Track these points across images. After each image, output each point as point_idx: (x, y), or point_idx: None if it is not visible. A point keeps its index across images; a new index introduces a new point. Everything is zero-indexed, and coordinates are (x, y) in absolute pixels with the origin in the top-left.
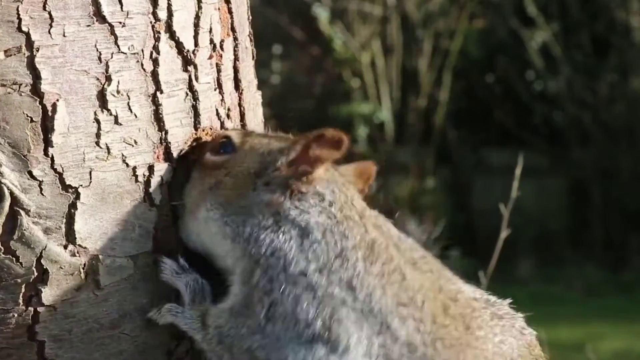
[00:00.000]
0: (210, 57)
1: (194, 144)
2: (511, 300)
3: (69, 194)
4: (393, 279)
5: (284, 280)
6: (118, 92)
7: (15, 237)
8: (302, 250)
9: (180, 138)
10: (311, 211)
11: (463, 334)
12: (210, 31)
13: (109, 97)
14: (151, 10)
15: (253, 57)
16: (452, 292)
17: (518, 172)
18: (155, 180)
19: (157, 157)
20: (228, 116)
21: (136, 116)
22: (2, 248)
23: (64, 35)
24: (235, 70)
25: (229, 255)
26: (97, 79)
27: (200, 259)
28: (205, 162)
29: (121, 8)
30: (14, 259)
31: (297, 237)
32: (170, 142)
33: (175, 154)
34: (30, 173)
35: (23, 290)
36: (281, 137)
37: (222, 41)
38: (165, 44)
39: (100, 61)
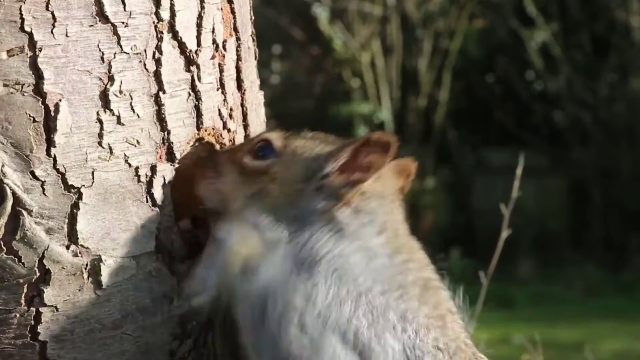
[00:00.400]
0: (213, 57)
1: (196, 144)
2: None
3: (71, 194)
4: (437, 323)
5: (351, 289)
6: (121, 92)
7: (17, 237)
8: (369, 269)
9: (182, 138)
10: (366, 229)
11: None
12: (213, 31)
13: (111, 97)
14: (154, 10)
15: (255, 57)
16: (476, 352)
17: (519, 172)
18: (157, 181)
19: (160, 157)
20: (230, 116)
21: (139, 116)
22: (5, 248)
23: (66, 35)
24: (238, 71)
25: (278, 250)
26: (100, 79)
27: None
28: (244, 166)
29: (124, 8)
30: (16, 259)
31: (362, 252)
32: (172, 142)
33: (177, 154)
34: (32, 173)
35: (25, 290)
36: (324, 140)
37: (224, 41)
38: (168, 44)
39: (103, 61)
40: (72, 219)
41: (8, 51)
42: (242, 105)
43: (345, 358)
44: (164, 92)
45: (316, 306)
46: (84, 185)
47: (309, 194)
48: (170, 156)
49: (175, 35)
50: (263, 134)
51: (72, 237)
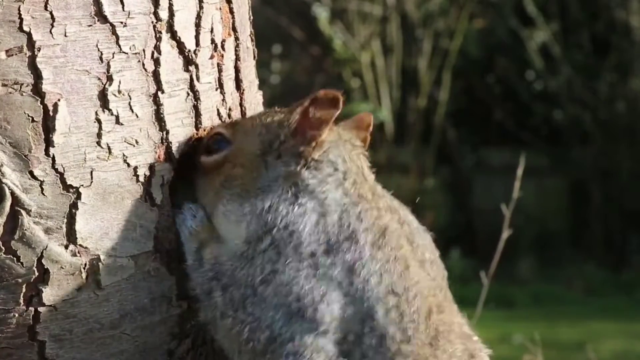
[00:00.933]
0: (212, 57)
1: (195, 144)
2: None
3: (70, 194)
4: (395, 267)
5: (291, 257)
6: (119, 92)
7: (16, 237)
8: (317, 229)
9: (181, 138)
10: (329, 181)
11: (427, 346)
12: (212, 31)
13: (110, 97)
14: (152, 10)
15: (254, 57)
16: (443, 305)
17: (520, 172)
18: (156, 180)
19: (158, 157)
20: (229, 116)
21: (137, 116)
22: (3, 248)
23: (65, 35)
24: (237, 70)
25: (247, 225)
26: (99, 78)
27: None
28: (204, 166)
29: (122, 8)
30: (15, 259)
31: (314, 214)
32: (171, 142)
33: (176, 154)
34: (31, 173)
35: (24, 290)
36: (269, 113)
37: (223, 41)
38: (167, 44)
39: (102, 61)
40: (71, 219)
41: (7, 51)
42: (240, 105)
43: (290, 327)
44: (163, 92)
45: (250, 284)
46: (82, 185)
47: (271, 164)
48: (169, 156)
49: (173, 35)
50: (212, 129)
51: (71, 236)
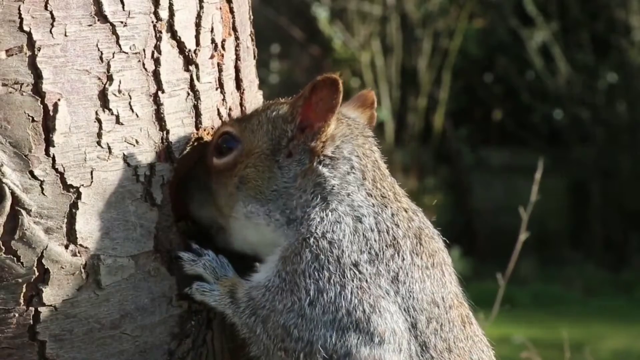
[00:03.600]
0: (212, 56)
1: (196, 144)
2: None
3: (70, 194)
4: (434, 274)
5: (335, 271)
6: (119, 91)
7: (16, 237)
8: (357, 237)
9: (181, 138)
10: (349, 180)
11: (467, 356)
12: (212, 31)
13: (110, 97)
14: (153, 9)
15: (254, 56)
16: (470, 315)
17: (538, 176)
18: (156, 180)
19: (159, 157)
20: (229, 116)
21: (137, 116)
22: (3, 248)
23: (65, 35)
24: (237, 70)
25: (282, 236)
26: (99, 78)
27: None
28: (217, 168)
29: (123, 8)
30: (15, 258)
31: (349, 219)
32: (171, 142)
33: (176, 154)
34: (31, 173)
35: (24, 290)
36: (274, 105)
37: (223, 41)
38: (167, 44)
39: (102, 61)
40: (71, 219)
41: (7, 51)
42: (241, 104)
43: (345, 342)
44: (163, 92)
45: (296, 309)
46: (82, 185)
47: (283, 163)
48: (169, 156)
49: (174, 34)
50: (219, 128)
51: (71, 236)
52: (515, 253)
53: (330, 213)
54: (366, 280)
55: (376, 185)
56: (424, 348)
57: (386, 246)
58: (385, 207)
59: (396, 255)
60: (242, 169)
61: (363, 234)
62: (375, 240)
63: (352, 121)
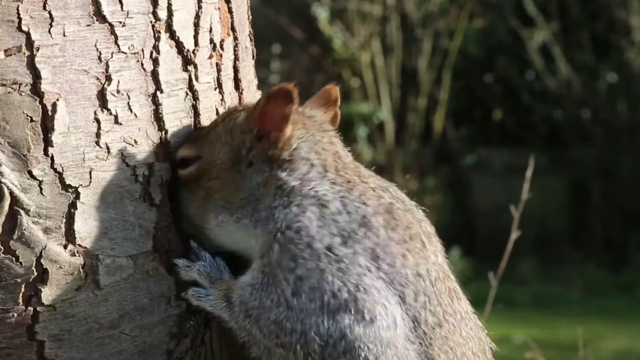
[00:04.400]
0: (211, 56)
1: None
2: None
3: (68, 194)
4: (413, 246)
5: (310, 257)
6: (118, 91)
7: (15, 236)
8: (325, 223)
9: (180, 137)
10: (311, 177)
11: (457, 332)
12: (211, 31)
13: (109, 97)
14: (151, 9)
15: (253, 56)
16: (457, 289)
17: (529, 174)
18: (155, 180)
19: (157, 157)
20: None
21: (136, 116)
22: (2, 248)
23: (64, 35)
24: (235, 70)
25: (256, 241)
26: (97, 78)
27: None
28: (182, 179)
29: (121, 8)
30: (14, 258)
31: (314, 207)
32: (170, 142)
33: (175, 154)
34: (30, 173)
35: (23, 290)
36: (230, 115)
37: (222, 41)
38: (166, 44)
39: (100, 61)
40: (70, 219)
41: (5, 51)
42: (239, 104)
43: (337, 325)
44: (162, 92)
45: (282, 303)
46: (81, 185)
47: (245, 174)
48: (167, 156)
49: (172, 34)
50: (180, 147)
51: (70, 236)
52: (507, 252)
53: (293, 208)
54: (344, 262)
55: (339, 173)
56: (415, 323)
57: (358, 225)
58: (351, 190)
59: (369, 232)
60: (206, 181)
61: (331, 218)
62: (345, 222)
63: (309, 120)
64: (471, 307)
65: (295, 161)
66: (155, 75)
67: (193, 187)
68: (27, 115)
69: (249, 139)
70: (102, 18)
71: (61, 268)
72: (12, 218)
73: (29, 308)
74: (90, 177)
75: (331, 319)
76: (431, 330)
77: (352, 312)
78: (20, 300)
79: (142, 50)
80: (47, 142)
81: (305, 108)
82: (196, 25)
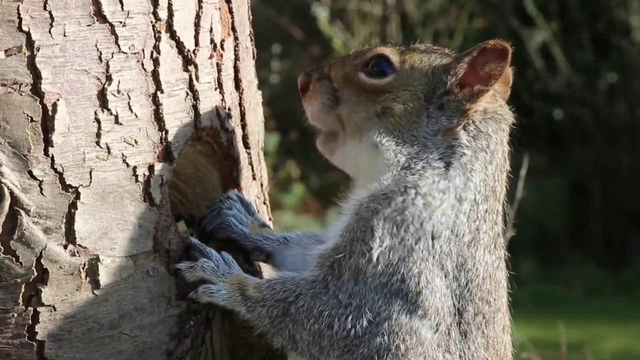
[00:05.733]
0: (211, 56)
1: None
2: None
3: (69, 194)
4: (495, 276)
5: (413, 233)
6: (118, 91)
7: (15, 237)
8: (448, 212)
9: (180, 138)
10: (479, 157)
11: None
12: (211, 31)
13: (109, 97)
14: (152, 10)
15: (253, 56)
16: (508, 325)
17: (523, 172)
18: (155, 180)
19: (158, 157)
20: (229, 116)
21: (136, 116)
22: (2, 248)
23: (64, 35)
24: (236, 70)
25: (386, 178)
26: (98, 78)
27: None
28: (363, 84)
29: (122, 8)
30: (14, 258)
31: (453, 195)
32: (170, 142)
33: (175, 154)
34: (30, 173)
35: (23, 290)
36: (438, 52)
37: (222, 41)
38: (166, 44)
39: (101, 61)
40: (70, 219)
41: (6, 51)
42: (240, 104)
43: (389, 306)
44: (162, 92)
45: (373, 254)
46: (81, 185)
47: (432, 114)
48: (168, 156)
49: (173, 34)
50: (374, 48)
51: (70, 236)
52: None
53: (443, 180)
54: (433, 256)
55: (495, 175)
56: (464, 337)
57: (468, 232)
58: (486, 201)
59: (472, 244)
60: (389, 100)
61: (455, 213)
62: (462, 223)
63: (504, 105)
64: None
65: (481, 131)
66: (155, 75)
67: (370, 97)
68: (28, 116)
69: (451, 83)
70: (102, 18)
71: (61, 268)
72: (13, 218)
73: (29, 308)
74: (91, 177)
75: (387, 299)
76: (476, 349)
77: (409, 302)
78: (21, 301)
79: (143, 50)
80: (48, 142)
81: None
82: (197, 25)
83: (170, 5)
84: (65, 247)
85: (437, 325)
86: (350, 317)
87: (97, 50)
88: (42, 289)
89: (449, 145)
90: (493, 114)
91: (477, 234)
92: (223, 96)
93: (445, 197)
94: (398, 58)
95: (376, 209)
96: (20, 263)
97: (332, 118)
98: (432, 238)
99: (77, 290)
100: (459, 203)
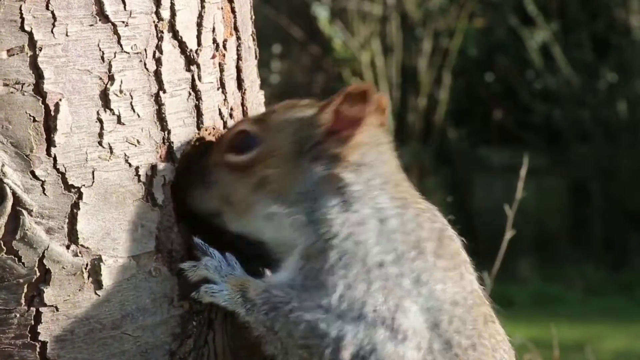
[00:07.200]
0: (213, 56)
1: (197, 143)
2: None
3: (71, 194)
4: (454, 275)
5: (361, 269)
6: (121, 91)
7: (17, 237)
8: (382, 239)
9: (183, 138)
10: (373, 185)
11: (490, 355)
12: (213, 31)
13: (111, 97)
14: (154, 9)
15: (256, 56)
16: (492, 313)
17: (523, 172)
18: (157, 180)
19: (160, 157)
20: (231, 116)
21: (139, 116)
22: (5, 248)
23: (66, 35)
24: (238, 70)
25: (304, 239)
26: (100, 78)
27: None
28: (232, 165)
29: (124, 7)
30: (17, 259)
31: (374, 221)
32: (173, 142)
33: (178, 154)
34: (32, 173)
35: (25, 290)
36: (298, 106)
37: (225, 41)
38: (168, 44)
39: (103, 61)
40: (72, 219)
41: (8, 50)
42: (242, 104)
43: (371, 338)
44: (164, 92)
45: (324, 306)
46: (84, 185)
47: (307, 167)
48: (170, 156)
49: (175, 34)
50: (235, 126)
51: (72, 237)
52: (501, 251)
53: (353, 215)
54: (390, 280)
55: (397, 188)
56: (448, 345)
57: (411, 247)
58: (407, 208)
59: (419, 256)
60: (262, 170)
61: (388, 235)
62: (400, 242)
63: (374, 128)
64: (503, 330)
65: (362, 165)
66: (158, 75)
67: (243, 174)
68: (30, 115)
69: (319, 133)
70: (105, 18)
71: (64, 268)
72: (15, 218)
73: (32, 309)
74: (93, 177)
75: (367, 331)
76: (464, 352)
77: (388, 329)
78: (23, 301)
79: (145, 50)
80: (50, 142)
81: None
82: (199, 25)
83: (172, 5)
84: (67, 247)
85: (419, 344)
86: (329, 350)
87: (100, 50)
88: (44, 290)
89: (338, 188)
90: (366, 145)
91: (419, 244)
92: (225, 96)
93: (367, 227)
94: (258, 128)
95: (319, 267)
96: (23, 263)
97: (215, 205)
98: (380, 266)
99: (79, 290)
100: (385, 225)
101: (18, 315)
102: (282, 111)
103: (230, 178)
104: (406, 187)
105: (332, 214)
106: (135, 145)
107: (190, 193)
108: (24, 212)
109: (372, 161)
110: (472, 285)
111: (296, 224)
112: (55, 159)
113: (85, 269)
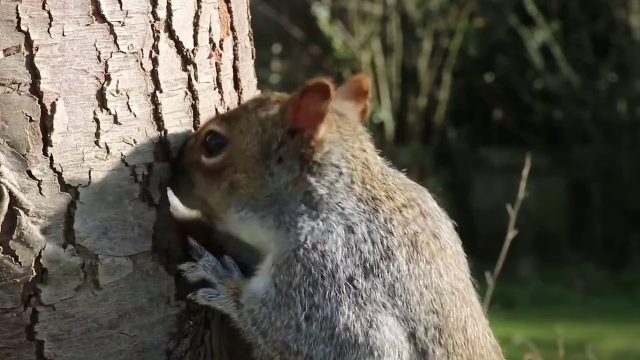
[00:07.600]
0: (210, 56)
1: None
2: None
3: (68, 194)
4: (431, 282)
5: (330, 286)
6: (117, 91)
7: (14, 236)
8: (350, 251)
9: (179, 138)
10: (338, 188)
11: None
12: (210, 30)
13: (108, 97)
14: (150, 9)
15: (252, 56)
16: (474, 315)
17: (525, 172)
18: (154, 180)
19: (157, 157)
20: None
21: (135, 115)
22: (1, 248)
23: (63, 35)
24: (235, 70)
25: (275, 244)
26: (97, 78)
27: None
28: (206, 167)
29: (120, 7)
30: (13, 258)
31: (341, 228)
32: (169, 142)
33: (174, 154)
34: (29, 172)
35: (22, 289)
36: (262, 104)
37: (221, 40)
38: (165, 43)
39: (100, 60)
40: (69, 218)
41: (4, 50)
42: (239, 104)
43: (344, 358)
44: (161, 92)
45: (293, 325)
46: (80, 185)
47: (274, 170)
48: (167, 155)
49: (172, 34)
50: (205, 125)
51: (69, 236)
52: (503, 252)
53: (320, 222)
54: (362, 296)
55: (366, 187)
56: (423, 356)
57: (380, 258)
58: (377, 212)
59: (391, 266)
60: (231, 173)
61: (356, 245)
62: (369, 253)
63: (342, 120)
64: (488, 329)
65: (326, 166)
66: (154, 74)
67: (215, 177)
68: (27, 115)
69: (281, 134)
70: (101, 18)
71: (60, 268)
72: (12, 218)
73: (28, 308)
74: (90, 177)
75: (339, 351)
76: None
77: (361, 347)
78: (20, 300)
79: (142, 49)
80: (47, 142)
81: (336, 101)
82: (195, 24)
83: (169, 4)
84: (64, 247)
85: (399, 357)
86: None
87: (96, 49)
88: (41, 289)
89: (305, 192)
90: (330, 143)
91: (391, 253)
92: (222, 96)
93: (334, 236)
94: (225, 128)
95: (288, 282)
96: (20, 263)
97: (197, 205)
98: (350, 281)
99: (76, 290)
100: (353, 233)
101: (15, 314)
102: (249, 109)
103: (204, 182)
104: (378, 182)
105: (299, 220)
106: (132, 145)
107: (178, 193)
108: (21, 211)
109: (338, 160)
110: (453, 283)
111: (267, 228)
112: (51, 158)
113: (82, 268)
